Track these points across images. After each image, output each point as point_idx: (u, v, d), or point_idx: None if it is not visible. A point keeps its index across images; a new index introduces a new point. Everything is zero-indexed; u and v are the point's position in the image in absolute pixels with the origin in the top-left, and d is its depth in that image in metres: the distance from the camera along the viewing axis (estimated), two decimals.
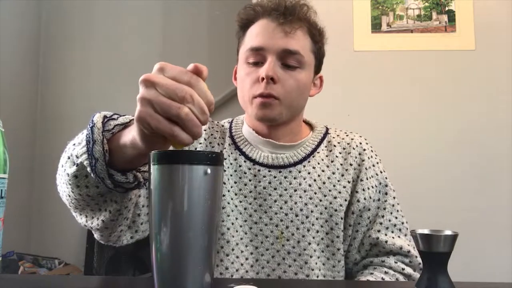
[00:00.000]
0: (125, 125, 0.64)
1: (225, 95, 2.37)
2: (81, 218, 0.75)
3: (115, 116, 0.65)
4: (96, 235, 0.79)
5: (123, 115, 0.66)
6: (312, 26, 0.92)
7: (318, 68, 0.96)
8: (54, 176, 0.72)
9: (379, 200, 0.94)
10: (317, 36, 0.92)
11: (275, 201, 0.89)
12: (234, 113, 1.07)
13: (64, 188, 0.69)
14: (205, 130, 0.96)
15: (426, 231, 0.58)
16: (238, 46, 0.95)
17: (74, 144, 0.66)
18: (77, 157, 0.63)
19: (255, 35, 0.89)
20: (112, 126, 0.63)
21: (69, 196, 0.69)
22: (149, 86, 0.51)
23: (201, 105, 0.51)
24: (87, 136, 0.62)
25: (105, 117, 0.64)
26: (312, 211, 0.89)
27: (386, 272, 0.87)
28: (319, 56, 0.95)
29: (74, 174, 0.65)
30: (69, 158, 0.66)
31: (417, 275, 0.88)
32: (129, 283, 0.77)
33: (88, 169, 0.62)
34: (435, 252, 0.56)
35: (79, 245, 2.37)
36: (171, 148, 0.55)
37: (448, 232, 0.57)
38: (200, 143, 0.94)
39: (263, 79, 0.86)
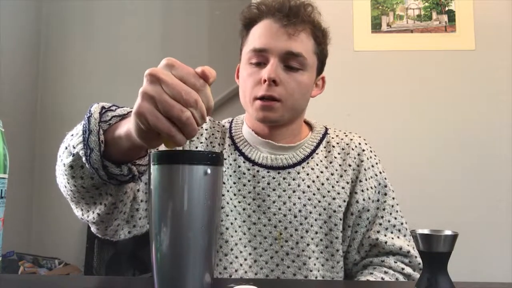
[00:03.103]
0: (123, 117, 0.63)
1: (225, 95, 2.37)
2: (77, 211, 0.75)
3: (113, 107, 0.65)
4: (93, 229, 0.79)
5: (122, 107, 0.66)
6: (316, 28, 0.91)
7: (320, 69, 0.96)
8: (54, 175, 0.72)
9: (378, 200, 0.93)
10: (320, 38, 0.92)
11: (274, 202, 0.89)
12: (234, 113, 1.07)
13: (61, 179, 0.69)
14: (206, 130, 0.96)
15: (426, 231, 0.57)
16: (241, 45, 0.95)
17: (72, 135, 0.66)
18: (73, 147, 0.63)
19: (258, 36, 0.89)
20: (109, 117, 0.63)
21: (65, 187, 0.69)
22: (154, 82, 0.49)
23: (202, 110, 0.51)
24: (84, 126, 0.62)
25: (103, 107, 0.64)
26: (310, 212, 0.89)
27: (386, 272, 0.87)
28: (321, 57, 0.94)
29: (70, 165, 0.65)
30: (66, 148, 0.66)
31: (416, 275, 0.88)
32: (129, 283, 0.77)
33: (83, 159, 0.62)
34: (435, 252, 0.56)
35: (79, 245, 2.37)
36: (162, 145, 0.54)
37: (448, 232, 0.57)
38: (201, 143, 0.94)
39: (265, 81, 0.86)
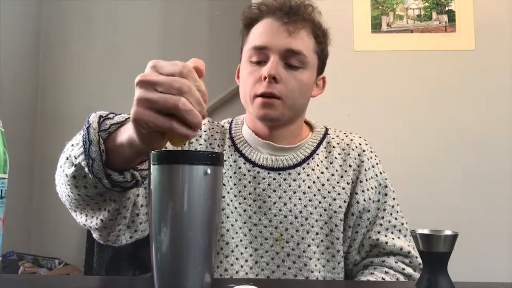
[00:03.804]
0: (121, 124, 0.64)
1: (225, 95, 2.37)
2: (80, 218, 0.75)
3: (111, 115, 0.65)
4: (95, 235, 0.79)
5: (119, 114, 0.66)
6: (316, 27, 0.91)
7: (321, 69, 0.96)
8: (54, 176, 0.72)
9: (378, 201, 0.93)
10: (320, 37, 0.92)
11: (275, 203, 0.89)
12: (234, 113, 1.07)
13: (63, 188, 0.69)
14: (205, 131, 0.96)
15: (426, 231, 0.57)
16: (242, 45, 0.95)
17: (72, 145, 0.66)
18: (75, 157, 0.63)
19: (258, 34, 0.89)
20: (108, 126, 0.63)
21: (69, 196, 0.69)
22: (144, 85, 0.50)
23: (197, 95, 0.51)
24: (84, 136, 0.62)
25: (100, 116, 0.64)
26: (311, 213, 0.89)
27: (386, 272, 0.87)
28: (322, 57, 0.94)
29: (72, 175, 0.64)
30: (67, 159, 0.66)
31: (417, 275, 0.88)
32: (129, 283, 0.77)
33: (86, 169, 0.62)
34: (435, 252, 0.56)
35: (79, 245, 2.37)
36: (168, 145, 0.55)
37: (448, 232, 0.57)
38: (201, 144, 0.94)
39: (265, 78, 0.86)
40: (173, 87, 0.50)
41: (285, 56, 0.87)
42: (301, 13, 0.89)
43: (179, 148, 0.90)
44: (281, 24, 0.87)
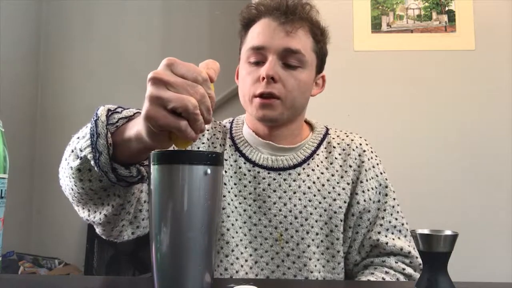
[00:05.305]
0: (129, 119, 0.64)
1: (226, 95, 2.37)
2: (83, 212, 0.75)
3: (119, 110, 0.65)
4: (98, 230, 0.79)
5: (127, 108, 0.66)
6: (314, 25, 0.91)
7: (320, 67, 0.96)
8: (54, 176, 0.72)
9: (379, 201, 0.93)
10: (319, 36, 0.92)
11: (274, 203, 0.89)
12: (234, 113, 1.07)
13: (67, 181, 0.69)
14: (207, 130, 0.96)
15: (426, 231, 0.58)
16: (240, 45, 0.95)
17: (78, 138, 0.66)
18: (80, 150, 0.64)
19: (256, 35, 0.89)
20: (116, 120, 0.63)
21: (72, 189, 0.69)
22: (158, 84, 0.51)
23: (208, 103, 0.52)
24: (91, 129, 0.62)
25: (109, 110, 0.64)
26: (311, 214, 0.89)
27: (386, 272, 0.87)
28: (321, 56, 0.94)
29: (77, 168, 0.65)
30: (72, 151, 0.66)
31: (417, 275, 0.88)
32: (129, 283, 0.77)
33: (92, 162, 0.62)
34: (435, 252, 0.56)
35: (79, 245, 2.37)
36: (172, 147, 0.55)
37: (448, 232, 0.57)
38: (203, 143, 0.94)
39: (263, 78, 0.86)
40: (186, 91, 0.50)
41: (283, 56, 0.87)
42: (298, 12, 0.88)
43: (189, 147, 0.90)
44: (279, 24, 0.87)
